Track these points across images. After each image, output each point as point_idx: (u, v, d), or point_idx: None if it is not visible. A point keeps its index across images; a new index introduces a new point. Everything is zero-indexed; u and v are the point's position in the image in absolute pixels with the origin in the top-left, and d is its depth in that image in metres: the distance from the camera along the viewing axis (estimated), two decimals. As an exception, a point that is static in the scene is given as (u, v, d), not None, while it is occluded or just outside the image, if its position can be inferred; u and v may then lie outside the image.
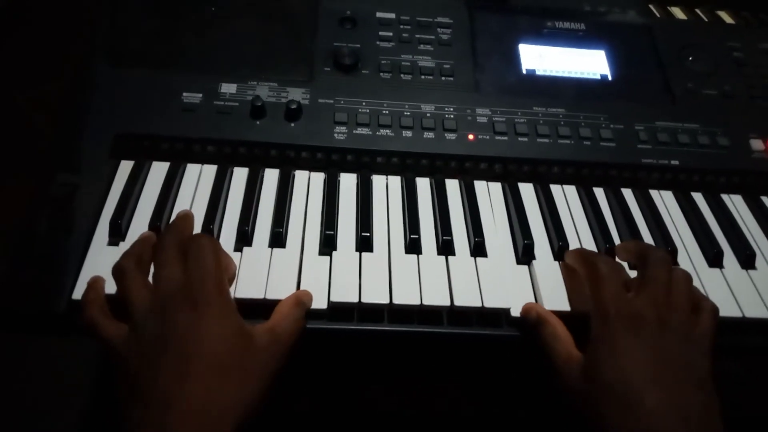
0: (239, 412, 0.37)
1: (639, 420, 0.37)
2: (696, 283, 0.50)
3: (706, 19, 0.76)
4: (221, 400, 0.36)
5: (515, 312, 0.46)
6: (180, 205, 0.51)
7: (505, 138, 0.57)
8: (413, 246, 0.50)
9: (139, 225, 0.49)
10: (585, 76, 0.63)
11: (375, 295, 0.45)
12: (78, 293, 0.44)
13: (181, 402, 0.35)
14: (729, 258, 0.53)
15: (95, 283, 0.43)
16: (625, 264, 0.49)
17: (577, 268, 0.46)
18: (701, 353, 0.41)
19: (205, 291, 0.38)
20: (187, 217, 0.47)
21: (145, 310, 0.39)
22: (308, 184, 0.55)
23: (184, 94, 0.56)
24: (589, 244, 0.53)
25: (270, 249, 0.48)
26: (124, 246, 0.47)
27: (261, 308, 0.44)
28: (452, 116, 0.58)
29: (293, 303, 0.43)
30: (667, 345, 0.40)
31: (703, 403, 0.39)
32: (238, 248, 0.48)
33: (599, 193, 0.57)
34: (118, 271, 0.41)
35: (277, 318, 0.42)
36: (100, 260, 0.46)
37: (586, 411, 0.40)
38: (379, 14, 0.64)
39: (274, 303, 0.43)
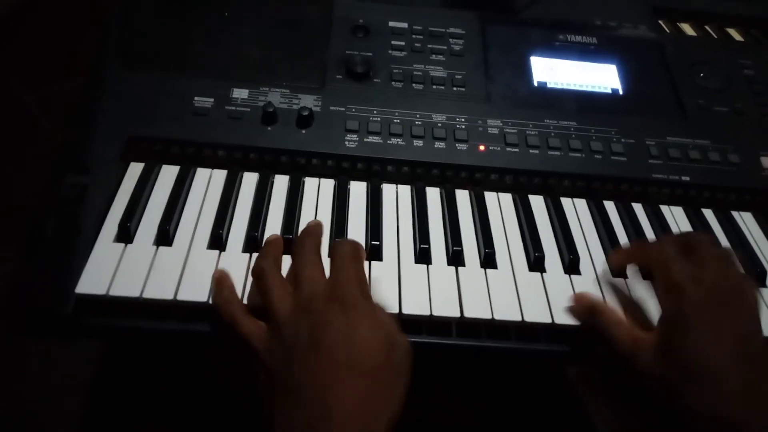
0: (391, 416, 0.37)
1: (717, 402, 0.37)
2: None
3: (715, 36, 0.76)
4: (376, 404, 0.36)
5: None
6: (189, 209, 0.51)
7: (516, 150, 0.57)
8: (423, 256, 0.49)
9: (148, 228, 0.49)
10: (596, 89, 0.63)
11: (384, 304, 0.45)
12: (82, 288, 0.43)
13: (340, 405, 0.35)
14: (739, 275, 0.53)
15: (225, 279, 0.44)
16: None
17: (634, 260, 0.46)
18: (759, 329, 0.41)
19: (351, 294, 0.39)
20: (319, 224, 0.48)
21: (287, 311, 0.39)
22: (318, 191, 0.54)
23: (196, 98, 0.56)
24: (600, 258, 0.52)
25: (279, 255, 0.48)
26: (132, 248, 0.47)
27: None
28: (463, 127, 0.58)
29: None
30: (741, 325, 0.39)
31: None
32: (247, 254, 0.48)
33: (610, 207, 0.57)
34: (258, 272, 0.42)
35: None
36: (106, 256, 0.46)
37: (661, 392, 0.39)
38: (391, 23, 0.64)
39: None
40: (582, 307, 0.46)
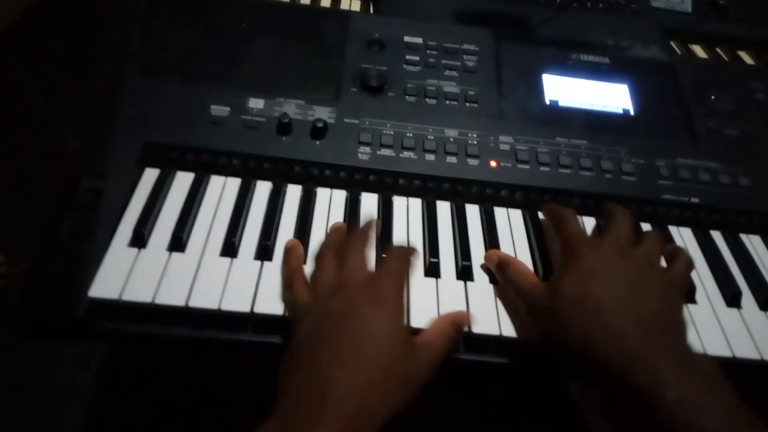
0: (388, 413, 0.38)
1: (595, 320, 0.41)
2: (713, 323, 0.50)
3: (726, 59, 0.77)
4: (378, 397, 0.38)
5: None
6: (203, 216, 0.51)
7: (527, 166, 0.57)
8: (432, 270, 0.50)
9: (162, 234, 0.49)
10: (607, 109, 0.64)
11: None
12: (95, 292, 0.44)
13: (343, 383, 0.37)
14: (747, 299, 0.53)
15: (296, 248, 0.48)
16: None
17: (549, 224, 0.52)
18: (669, 285, 0.45)
19: (387, 289, 0.42)
20: (373, 225, 0.49)
21: (327, 288, 0.43)
22: (330, 201, 0.55)
23: (213, 107, 0.56)
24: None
25: (290, 265, 0.48)
26: (145, 253, 0.47)
27: (279, 323, 0.45)
28: (475, 142, 0.58)
29: (451, 322, 0.45)
30: (628, 270, 0.44)
31: (661, 311, 0.42)
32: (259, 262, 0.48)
33: (619, 226, 0.57)
34: (324, 247, 0.47)
35: (433, 333, 0.44)
36: (120, 261, 0.46)
37: (549, 324, 0.43)
38: (406, 38, 0.65)
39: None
40: (492, 263, 0.50)
